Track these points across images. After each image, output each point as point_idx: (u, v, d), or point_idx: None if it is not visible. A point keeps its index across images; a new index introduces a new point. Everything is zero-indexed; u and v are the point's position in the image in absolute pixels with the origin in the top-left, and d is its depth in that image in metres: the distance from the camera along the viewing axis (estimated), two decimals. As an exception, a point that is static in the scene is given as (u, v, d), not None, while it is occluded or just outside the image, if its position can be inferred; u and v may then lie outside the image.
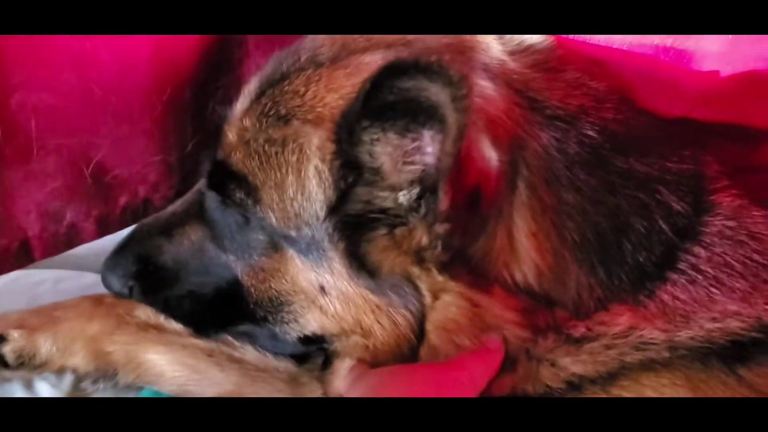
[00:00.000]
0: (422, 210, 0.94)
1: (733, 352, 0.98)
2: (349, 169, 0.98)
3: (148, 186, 1.32)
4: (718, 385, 0.96)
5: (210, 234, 1.14)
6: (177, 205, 1.20)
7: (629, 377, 0.98)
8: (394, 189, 0.96)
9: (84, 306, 1.28)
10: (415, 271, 1.01)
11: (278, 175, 1.02)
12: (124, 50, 1.12)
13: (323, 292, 1.05)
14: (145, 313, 1.29)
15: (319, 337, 1.10)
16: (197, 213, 1.16)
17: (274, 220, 1.03)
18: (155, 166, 1.29)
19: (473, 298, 1.00)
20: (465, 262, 1.00)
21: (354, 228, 1.00)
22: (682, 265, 1.02)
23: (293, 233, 1.03)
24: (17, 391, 1.25)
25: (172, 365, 1.23)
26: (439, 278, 1.00)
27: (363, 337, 1.06)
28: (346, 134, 0.94)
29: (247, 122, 1.06)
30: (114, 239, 1.28)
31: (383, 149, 0.93)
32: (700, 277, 1.02)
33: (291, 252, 1.05)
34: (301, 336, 1.11)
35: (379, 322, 1.03)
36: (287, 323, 1.11)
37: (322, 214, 1.00)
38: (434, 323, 1.02)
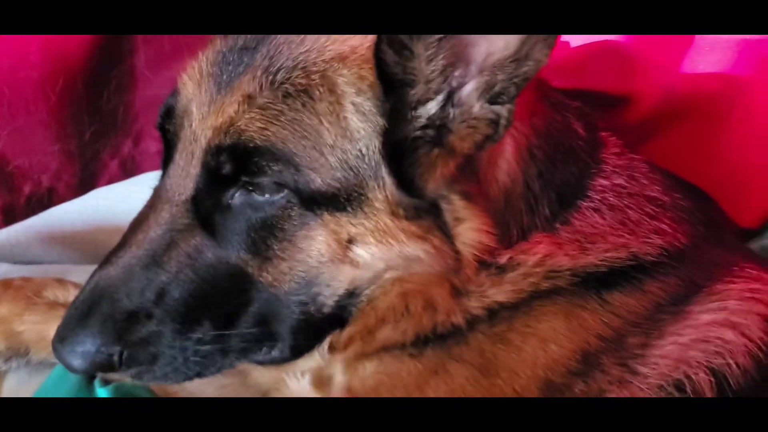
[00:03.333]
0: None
1: (604, 280, 1.10)
2: (389, 93, 1.01)
3: (51, 175, 1.38)
4: (586, 311, 1.08)
5: (212, 244, 1.04)
6: (145, 234, 1.04)
7: (532, 305, 1.09)
8: (437, 97, 1.01)
9: (-9, 288, 1.34)
10: (445, 193, 1.05)
11: (311, 127, 1.01)
12: (14, 44, 1.18)
13: (353, 243, 1.04)
14: (53, 293, 1.37)
15: (350, 293, 1.08)
16: (187, 227, 1.04)
17: (318, 180, 1.01)
18: (55, 155, 1.35)
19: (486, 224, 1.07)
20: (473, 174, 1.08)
21: (399, 154, 1.03)
22: (590, 194, 1.14)
23: (337, 186, 1.01)
24: None
25: None
26: (461, 202, 1.06)
27: (404, 270, 1.06)
28: (395, 53, 0.98)
29: (250, 88, 1.02)
30: (18, 229, 1.34)
31: (435, 57, 0.98)
32: (604, 206, 1.14)
33: (325, 215, 1.02)
34: (337, 298, 1.08)
35: (423, 248, 1.04)
36: (321, 294, 1.07)
37: (368, 149, 1.02)
38: (465, 242, 1.06)
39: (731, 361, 1.02)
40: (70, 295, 1.32)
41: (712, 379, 1.01)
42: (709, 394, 1.00)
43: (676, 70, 1.38)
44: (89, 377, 1.33)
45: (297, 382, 1.18)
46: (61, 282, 1.38)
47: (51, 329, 1.30)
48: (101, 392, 1.27)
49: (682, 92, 1.40)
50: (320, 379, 1.16)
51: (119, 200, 1.57)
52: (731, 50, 1.34)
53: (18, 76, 1.23)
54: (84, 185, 1.45)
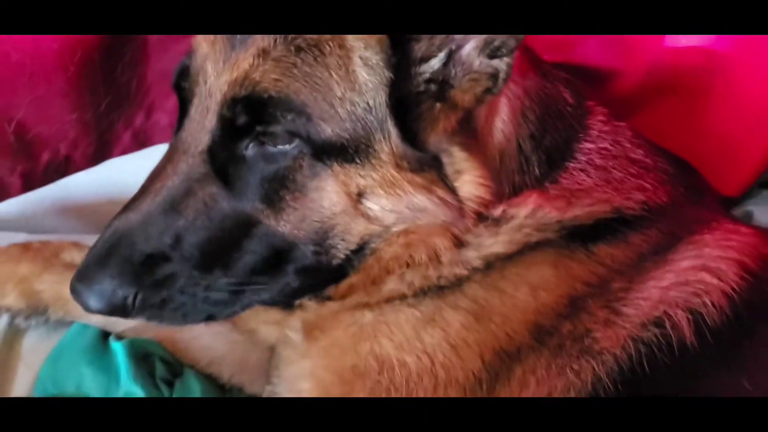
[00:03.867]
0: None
1: (590, 233, 1.17)
2: (396, 47, 1.07)
3: (68, 143, 1.45)
4: (573, 261, 1.15)
5: (228, 194, 1.08)
6: (163, 182, 1.09)
7: (524, 255, 1.15)
8: (439, 53, 1.07)
9: (13, 251, 1.42)
10: (446, 147, 1.12)
11: (322, 80, 1.06)
12: None
13: (363, 197, 1.09)
14: (70, 255, 1.44)
15: (363, 245, 1.13)
16: (203, 177, 1.08)
17: (328, 130, 1.06)
18: (72, 124, 1.42)
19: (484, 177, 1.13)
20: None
21: (403, 108, 1.08)
22: (577, 156, 1.21)
23: (346, 136, 1.07)
24: None
25: None
26: (461, 155, 1.12)
27: (411, 222, 1.11)
28: None
29: (265, 43, 1.06)
30: (33, 199, 1.40)
31: None
32: (589, 166, 1.21)
33: (335, 166, 1.07)
34: (348, 252, 1.13)
35: (429, 199, 1.10)
36: (335, 246, 1.12)
37: (374, 101, 1.07)
38: (465, 194, 1.12)
39: (707, 300, 1.09)
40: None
41: (690, 316, 1.08)
42: (686, 331, 1.06)
43: (659, 45, 1.45)
44: (104, 333, 1.41)
45: (293, 335, 1.24)
46: (77, 245, 1.45)
47: (68, 289, 1.39)
48: (115, 346, 1.34)
49: (666, 67, 1.48)
50: (312, 330, 1.21)
51: (131, 173, 1.63)
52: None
53: (39, 48, 1.30)
54: (99, 155, 1.52)
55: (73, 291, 1.08)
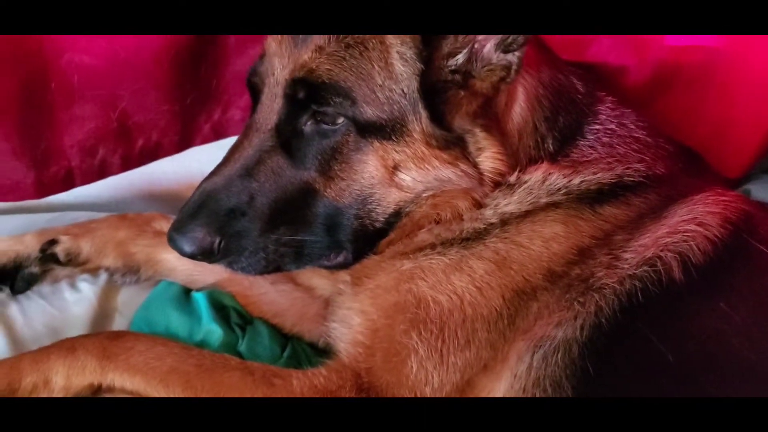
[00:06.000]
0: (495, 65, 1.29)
1: (594, 196, 1.37)
2: (427, 44, 1.29)
3: (159, 131, 1.71)
4: (581, 219, 1.34)
5: (290, 164, 1.31)
6: (240, 153, 1.33)
7: (537, 215, 1.35)
8: (463, 50, 1.29)
9: (112, 219, 1.69)
10: (470, 128, 1.33)
11: (365, 70, 1.28)
12: None
13: (398, 170, 1.31)
14: (159, 224, 1.70)
15: (397, 212, 1.36)
16: (271, 149, 1.32)
17: (370, 111, 1.28)
18: (164, 114, 1.67)
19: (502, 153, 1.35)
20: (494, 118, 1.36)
21: (433, 93, 1.30)
22: (587, 135, 1.43)
23: (384, 117, 1.28)
24: (65, 290, 1.62)
25: (181, 260, 1.60)
26: (482, 134, 1.34)
27: (437, 190, 1.33)
28: None
29: (321, 41, 1.29)
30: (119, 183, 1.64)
31: None
32: (597, 143, 1.43)
33: (375, 143, 1.29)
34: (387, 216, 1.36)
35: (454, 172, 1.32)
36: (373, 211, 1.34)
37: (408, 88, 1.29)
38: (485, 167, 1.35)
39: (693, 245, 1.28)
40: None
41: (678, 257, 1.27)
42: (675, 268, 1.26)
43: (662, 44, 1.67)
44: (185, 289, 1.65)
45: (344, 286, 1.45)
46: (164, 216, 1.71)
47: (157, 252, 1.66)
48: (197, 295, 1.58)
49: (670, 63, 1.68)
50: (359, 278, 1.42)
51: (208, 161, 1.88)
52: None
53: (141, 48, 1.55)
54: (183, 143, 1.78)
55: (170, 239, 1.31)
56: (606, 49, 1.71)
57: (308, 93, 1.30)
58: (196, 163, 1.90)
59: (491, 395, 1.28)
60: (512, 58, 1.31)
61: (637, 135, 1.47)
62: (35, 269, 1.60)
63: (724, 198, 1.36)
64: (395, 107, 1.30)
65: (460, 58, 1.32)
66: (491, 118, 1.38)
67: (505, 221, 1.36)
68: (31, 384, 1.27)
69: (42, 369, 1.27)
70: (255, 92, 1.42)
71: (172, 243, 1.31)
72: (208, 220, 1.30)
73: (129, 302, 1.63)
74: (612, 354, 1.23)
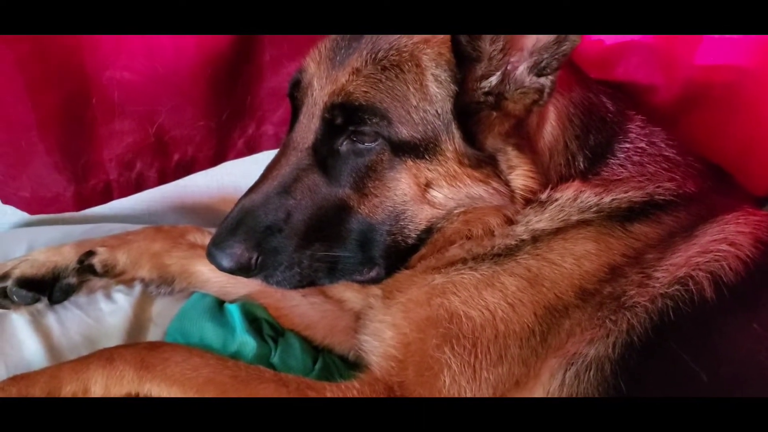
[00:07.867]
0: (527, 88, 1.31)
1: (625, 214, 1.39)
2: (461, 67, 1.32)
3: (195, 146, 1.75)
4: (612, 237, 1.36)
5: (326, 182, 1.35)
6: (278, 171, 1.37)
7: (568, 232, 1.37)
8: (496, 73, 1.31)
9: (148, 231, 1.72)
10: (502, 147, 1.36)
11: (401, 92, 1.31)
12: (180, 38, 1.54)
13: (430, 187, 1.34)
14: (194, 237, 1.73)
15: (428, 229, 1.39)
16: (308, 167, 1.36)
17: (404, 131, 1.31)
18: (200, 129, 1.71)
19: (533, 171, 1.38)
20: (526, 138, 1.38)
21: (466, 113, 1.33)
22: (617, 153, 1.45)
23: (418, 137, 1.32)
24: (101, 301, 1.66)
25: (215, 272, 1.63)
26: (514, 153, 1.37)
27: (468, 207, 1.36)
28: (468, 35, 1.27)
29: (358, 63, 1.33)
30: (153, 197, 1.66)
31: (497, 40, 1.28)
32: (627, 162, 1.45)
33: (408, 161, 1.33)
34: (419, 233, 1.39)
35: (485, 189, 1.35)
36: (406, 227, 1.38)
37: (442, 109, 1.32)
38: (517, 185, 1.37)
39: (725, 264, 1.29)
40: (207, 239, 1.60)
41: (710, 276, 1.28)
42: (707, 288, 1.27)
43: (691, 63, 1.68)
44: (219, 301, 1.68)
45: (375, 300, 1.48)
46: (199, 229, 1.75)
47: (191, 264, 1.68)
48: (231, 307, 1.61)
49: (699, 82, 1.70)
50: (390, 292, 1.44)
51: (240, 175, 1.93)
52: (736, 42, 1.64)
53: (179, 65, 1.59)
54: (217, 157, 1.82)
55: (210, 255, 1.35)
56: (634, 67, 1.72)
57: (346, 117, 1.34)
58: (228, 177, 1.96)
59: (523, 411, 1.29)
60: (545, 81, 1.33)
61: (666, 153, 1.48)
62: (73, 280, 1.63)
63: (755, 218, 1.38)
64: (429, 127, 1.34)
65: (493, 80, 1.34)
66: (523, 136, 1.40)
67: (536, 238, 1.38)
68: (71, 392, 1.30)
69: (81, 378, 1.30)
70: (295, 108, 1.46)
71: (212, 258, 1.35)
72: (246, 236, 1.34)
73: (163, 313, 1.67)
74: (644, 372, 1.24)
